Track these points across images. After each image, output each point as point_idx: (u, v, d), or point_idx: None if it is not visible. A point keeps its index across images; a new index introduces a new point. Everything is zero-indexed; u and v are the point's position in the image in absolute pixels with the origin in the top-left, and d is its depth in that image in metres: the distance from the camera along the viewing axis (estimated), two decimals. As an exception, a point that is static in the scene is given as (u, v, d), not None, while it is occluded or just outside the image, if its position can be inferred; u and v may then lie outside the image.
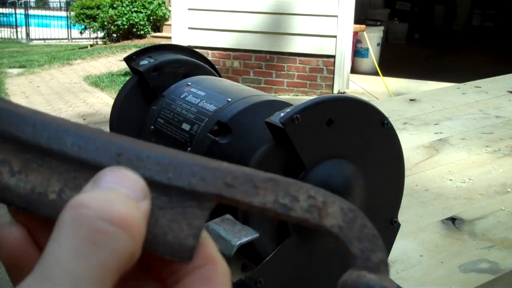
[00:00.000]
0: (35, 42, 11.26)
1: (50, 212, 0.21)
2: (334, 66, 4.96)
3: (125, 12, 8.12)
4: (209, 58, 3.86)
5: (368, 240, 0.21)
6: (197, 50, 0.80)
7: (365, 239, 0.21)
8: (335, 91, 4.99)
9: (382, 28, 6.14)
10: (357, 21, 5.31)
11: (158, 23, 8.44)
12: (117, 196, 0.20)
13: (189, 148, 0.61)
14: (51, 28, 11.80)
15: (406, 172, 0.61)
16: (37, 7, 13.47)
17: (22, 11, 11.96)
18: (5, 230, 0.22)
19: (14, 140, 0.21)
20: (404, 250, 0.73)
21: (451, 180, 0.97)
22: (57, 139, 0.21)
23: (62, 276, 0.18)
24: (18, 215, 0.23)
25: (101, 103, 4.91)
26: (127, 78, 0.78)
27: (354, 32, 5.17)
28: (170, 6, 5.81)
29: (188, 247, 0.21)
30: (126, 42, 8.16)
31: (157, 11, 8.27)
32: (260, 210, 0.21)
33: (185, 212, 0.21)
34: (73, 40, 11.08)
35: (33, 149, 0.21)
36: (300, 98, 4.90)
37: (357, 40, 5.66)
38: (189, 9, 5.17)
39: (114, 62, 6.71)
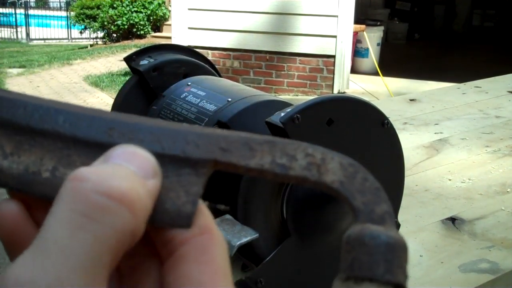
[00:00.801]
0: (35, 42, 11.26)
1: (45, 191, 0.21)
2: (334, 66, 4.96)
3: (125, 12, 8.12)
4: (209, 58, 3.86)
5: (371, 193, 0.21)
6: (197, 50, 0.80)
7: (368, 192, 0.21)
8: (335, 91, 4.99)
9: (382, 28, 6.14)
10: (357, 21, 5.31)
11: (158, 23, 8.44)
12: (121, 171, 0.19)
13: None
14: (51, 28, 11.80)
15: (406, 172, 0.61)
16: (37, 7, 13.46)
17: (22, 11, 11.96)
18: (2, 206, 0.22)
19: (5, 123, 0.21)
20: (404, 250, 0.73)
21: (451, 180, 0.97)
22: (48, 119, 0.21)
23: (57, 250, 0.17)
24: (15, 194, 0.22)
25: (101, 103, 4.91)
26: (127, 78, 0.78)
27: (354, 32, 5.17)
28: (170, 6, 5.81)
29: (187, 214, 0.20)
30: (126, 42, 8.16)
31: (157, 11, 8.27)
32: (257, 173, 0.21)
33: (181, 180, 0.21)
34: (73, 40, 11.08)
35: (24, 130, 0.21)
36: (300, 98, 4.90)
37: (357, 40, 5.66)
38: (189, 9, 5.17)
39: (114, 62, 6.71)
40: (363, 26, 5.49)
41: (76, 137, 0.21)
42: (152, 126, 0.21)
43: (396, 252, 0.19)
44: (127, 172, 0.19)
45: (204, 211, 0.21)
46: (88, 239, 0.18)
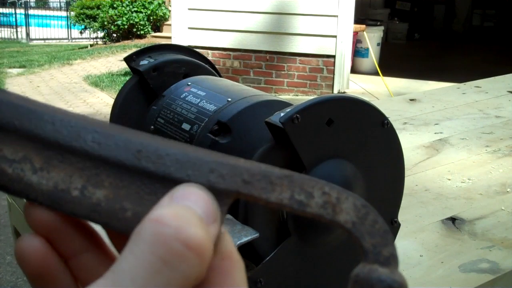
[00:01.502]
0: (35, 42, 11.26)
1: (74, 209, 0.22)
2: (334, 66, 4.96)
3: (125, 12, 8.12)
4: (209, 58, 3.86)
5: (379, 235, 0.22)
6: (197, 50, 0.80)
7: (377, 234, 0.22)
8: (335, 91, 4.99)
9: (382, 28, 6.14)
10: (357, 21, 5.31)
11: (158, 23, 8.44)
12: (194, 218, 0.20)
13: (189, 148, 0.61)
14: (51, 28, 11.80)
15: (406, 172, 0.61)
16: (37, 7, 13.46)
17: (22, 11, 11.95)
18: (26, 242, 0.22)
19: (34, 137, 0.21)
20: (404, 250, 0.73)
21: (451, 180, 0.97)
22: (76, 137, 0.21)
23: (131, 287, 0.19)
24: (37, 225, 0.23)
25: (101, 103, 4.91)
26: (127, 78, 0.78)
27: (354, 32, 5.17)
28: (170, 6, 5.81)
29: None
30: (126, 42, 8.17)
31: (157, 11, 8.27)
32: (277, 206, 0.22)
33: None
34: (73, 40, 11.08)
35: (53, 146, 0.21)
36: (300, 98, 4.90)
37: (357, 40, 5.66)
38: (189, 9, 5.17)
39: (114, 62, 6.71)
40: (363, 26, 5.49)
41: (104, 157, 0.22)
42: (178, 153, 0.22)
43: None
44: (198, 219, 0.21)
45: (225, 238, 0.22)
46: (162, 283, 0.19)
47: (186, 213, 0.20)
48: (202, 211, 0.21)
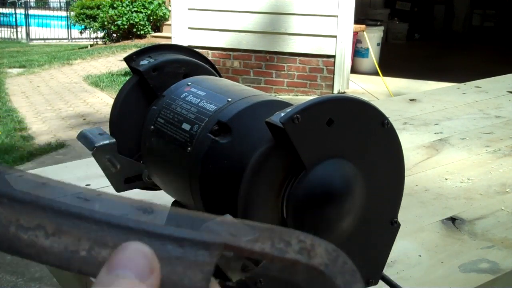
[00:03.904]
0: (35, 42, 11.26)
1: (81, 267, 0.24)
2: (334, 66, 4.96)
3: (125, 12, 8.13)
4: (209, 58, 3.86)
5: (349, 274, 0.26)
6: (197, 50, 0.80)
7: (347, 273, 0.26)
8: (335, 91, 5.00)
9: (382, 28, 6.14)
10: (357, 21, 5.32)
11: (158, 23, 8.44)
12: (122, 284, 0.22)
13: (189, 148, 0.61)
14: (51, 28, 11.81)
15: (406, 172, 0.61)
16: (37, 7, 13.46)
17: (22, 11, 11.96)
18: None
19: (47, 207, 0.25)
20: (404, 250, 0.73)
21: (451, 180, 0.97)
22: (86, 206, 0.25)
23: None
24: None
25: (101, 103, 4.91)
26: (127, 78, 0.78)
27: (354, 32, 5.17)
28: (170, 6, 5.81)
29: None
30: (126, 42, 8.17)
31: (157, 11, 8.27)
32: (259, 255, 0.26)
33: (197, 260, 0.24)
34: (73, 40, 11.08)
35: (64, 214, 0.25)
36: (300, 98, 4.91)
37: (357, 40, 5.66)
38: (189, 9, 5.17)
39: (114, 62, 6.71)
40: (363, 26, 5.50)
41: (110, 222, 0.25)
42: (173, 214, 0.26)
43: None
44: (127, 283, 0.22)
45: (213, 286, 0.24)
46: None
47: (116, 284, 0.22)
48: (134, 272, 0.22)
